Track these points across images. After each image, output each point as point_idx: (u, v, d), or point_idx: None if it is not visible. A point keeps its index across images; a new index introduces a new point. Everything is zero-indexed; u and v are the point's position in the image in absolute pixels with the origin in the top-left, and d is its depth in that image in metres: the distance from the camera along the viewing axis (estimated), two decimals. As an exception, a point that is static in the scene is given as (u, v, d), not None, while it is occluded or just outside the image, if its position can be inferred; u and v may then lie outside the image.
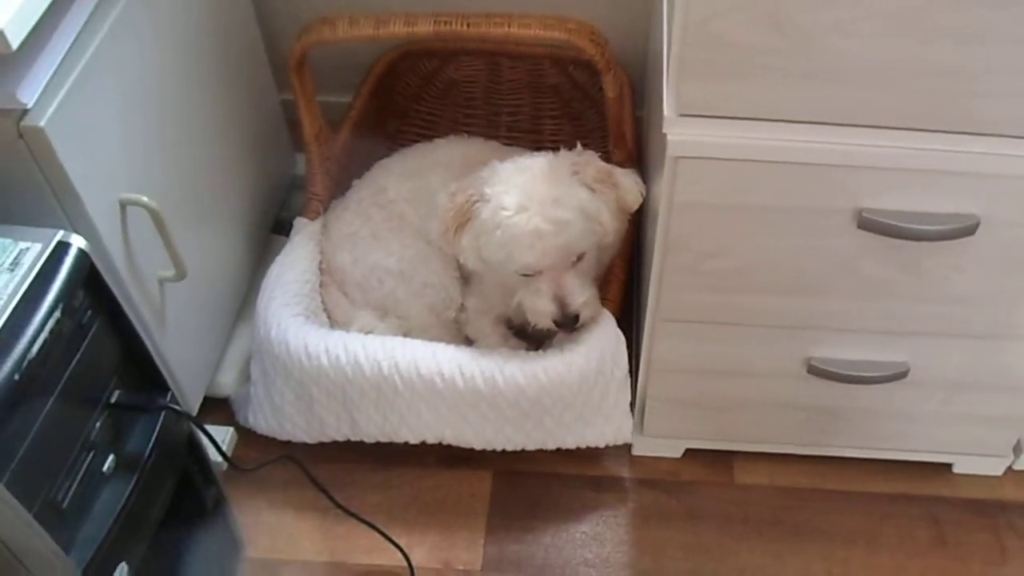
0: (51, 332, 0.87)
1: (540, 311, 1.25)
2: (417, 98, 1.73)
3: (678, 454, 1.43)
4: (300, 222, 1.46)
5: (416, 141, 1.61)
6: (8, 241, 0.91)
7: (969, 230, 1.03)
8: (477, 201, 1.24)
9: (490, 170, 1.27)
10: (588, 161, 1.26)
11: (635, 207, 1.28)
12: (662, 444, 1.43)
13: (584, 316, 1.25)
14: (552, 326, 1.26)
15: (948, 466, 1.41)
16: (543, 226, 1.19)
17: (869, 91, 0.94)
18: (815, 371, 1.23)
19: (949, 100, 0.94)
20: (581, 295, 1.24)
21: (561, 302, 1.24)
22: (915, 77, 0.92)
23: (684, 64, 0.95)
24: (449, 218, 1.27)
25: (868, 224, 1.04)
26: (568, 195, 1.22)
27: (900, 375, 1.22)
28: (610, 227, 1.25)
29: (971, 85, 0.92)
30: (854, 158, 0.99)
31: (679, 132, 1.00)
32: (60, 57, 0.99)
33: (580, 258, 1.24)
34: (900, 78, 0.93)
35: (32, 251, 0.90)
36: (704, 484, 1.41)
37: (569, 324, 1.25)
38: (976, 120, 0.95)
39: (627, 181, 1.27)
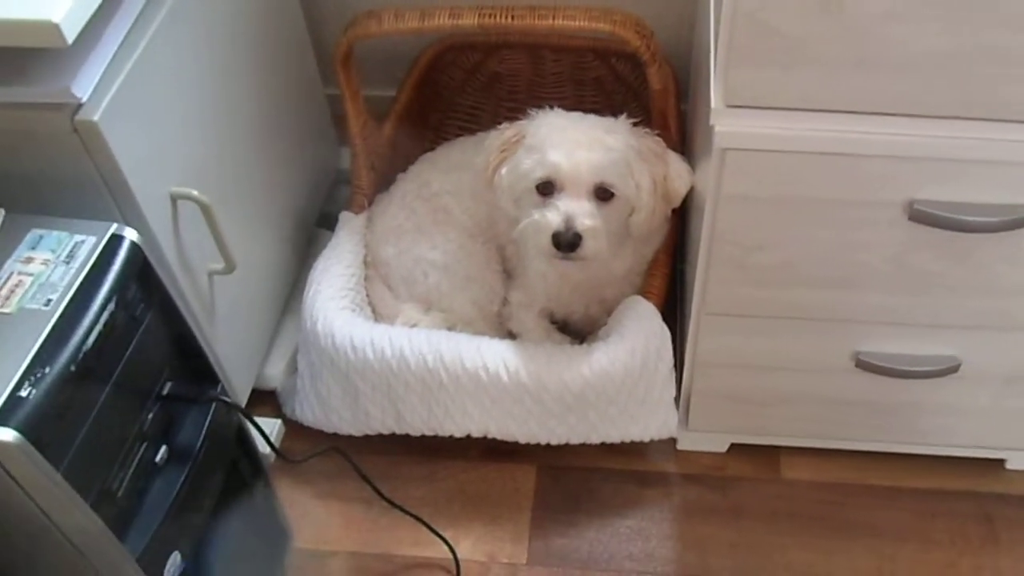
0: (106, 324, 0.89)
1: (544, 220, 1.20)
2: (460, 91, 1.73)
3: (723, 449, 1.43)
4: (345, 216, 1.47)
5: (459, 134, 1.61)
6: (64, 234, 0.93)
7: (1023, 222, 1.02)
8: (522, 139, 1.25)
9: (543, 112, 1.27)
10: (647, 132, 1.26)
11: (681, 194, 1.27)
12: (707, 439, 1.42)
13: (587, 244, 1.19)
14: (551, 244, 1.20)
15: (1000, 462, 1.38)
16: (580, 135, 1.21)
17: (923, 80, 0.92)
18: (863, 365, 1.21)
19: (1005, 89, 0.92)
20: (590, 220, 1.19)
21: (568, 217, 1.19)
22: (971, 65, 0.90)
23: (733, 54, 0.94)
24: (494, 152, 1.27)
25: (920, 216, 1.02)
26: (615, 137, 1.22)
27: (950, 369, 1.21)
28: (645, 196, 1.23)
29: (1028, 73, 0.91)
30: (907, 149, 0.98)
31: (727, 123, 0.99)
32: (113, 51, 1.01)
33: (605, 197, 1.21)
34: (955, 66, 0.91)
35: (87, 244, 0.92)
36: (750, 479, 1.40)
37: (567, 242, 1.19)
38: (1033, 109, 0.94)
39: (679, 166, 1.26)
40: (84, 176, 1.01)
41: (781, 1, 0.88)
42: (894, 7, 0.87)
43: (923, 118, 0.95)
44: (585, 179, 1.20)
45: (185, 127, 1.16)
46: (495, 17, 1.25)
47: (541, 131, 1.23)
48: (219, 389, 1.09)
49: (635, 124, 1.26)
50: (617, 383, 1.26)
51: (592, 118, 1.26)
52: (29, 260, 0.91)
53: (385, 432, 1.35)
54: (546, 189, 1.22)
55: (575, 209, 1.19)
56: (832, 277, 1.13)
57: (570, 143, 1.20)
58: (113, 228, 0.94)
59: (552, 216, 1.20)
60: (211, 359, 1.12)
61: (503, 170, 1.27)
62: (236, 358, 1.33)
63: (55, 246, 0.92)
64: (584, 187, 1.20)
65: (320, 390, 1.35)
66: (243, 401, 1.37)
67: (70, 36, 0.87)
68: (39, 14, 0.86)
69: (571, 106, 1.62)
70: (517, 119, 1.29)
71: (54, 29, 0.86)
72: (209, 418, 1.06)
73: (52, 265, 0.90)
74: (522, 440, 1.32)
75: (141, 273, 0.96)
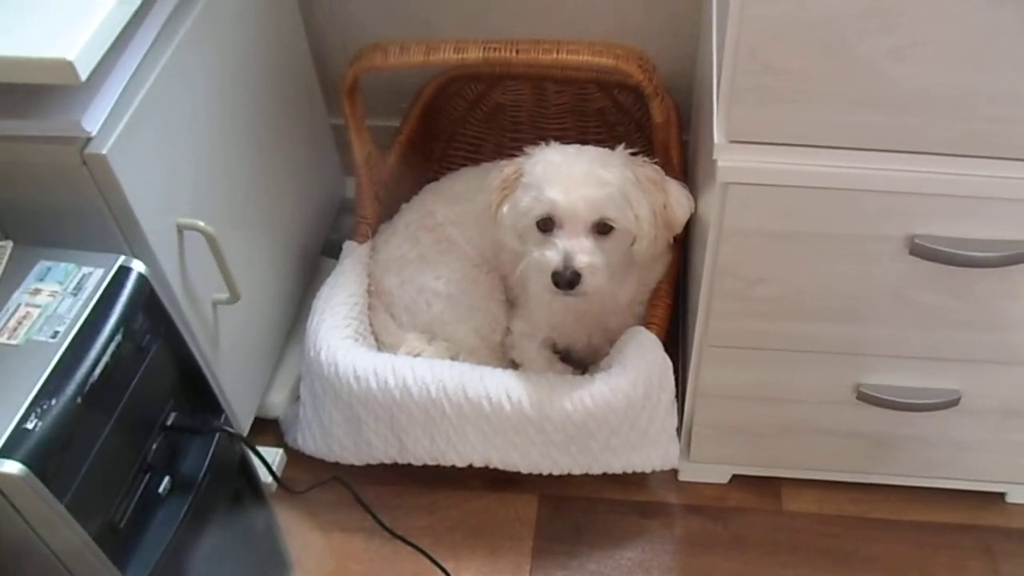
0: (112, 355, 0.90)
1: (544, 259, 1.21)
2: (464, 122, 1.74)
3: (725, 480, 1.43)
4: (349, 245, 1.48)
5: (462, 165, 1.62)
6: (71, 266, 0.94)
7: (1023, 257, 1.02)
8: (520, 176, 1.26)
9: (540, 149, 1.28)
10: (644, 161, 1.27)
11: (682, 221, 1.28)
12: (709, 470, 1.42)
13: (586, 280, 1.21)
14: (551, 281, 1.21)
15: (1001, 495, 1.38)
16: (576, 171, 1.22)
17: (923, 117, 0.94)
18: (865, 398, 1.22)
19: (1004, 127, 0.93)
20: (588, 257, 1.21)
21: (566, 256, 1.21)
22: (970, 104, 0.92)
23: (735, 91, 0.95)
24: (495, 190, 1.29)
25: (920, 251, 1.03)
26: (611, 170, 1.23)
27: (951, 402, 1.21)
28: (646, 226, 1.24)
29: (1026, 112, 0.92)
30: (907, 184, 0.99)
31: (729, 158, 1.00)
32: (122, 86, 1.02)
33: (604, 231, 1.22)
34: (955, 105, 0.92)
35: (94, 276, 0.93)
36: (751, 511, 1.40)
37: (567, 281, 1.20)
38: (1031, 147, 0.95)
39: (678, 193, 1.27)
40: (92, 208, 1.02)
41: (782, 40, 0.90)
42: (896, 47, 0.88)
43: (924, 155, 0.96)
44: (583, 216, 1.21)
45: (192, 159, 1.17)
46: (499, 51, 1.26)
47: (537, 168, 1.24)
48: (223, 419, 1.09)
49: (633, 154, 1.27)
50: (619, 413, 1.27)
51: (589, 151, 1.27)
52: (37, 292, 0.92)
53: (387, 462, 1.35)
54: (546, 225, 1.23)
55: (573, 247, 1.21)
56: (834, 310, 1.13)
57: (566, 180, 1.21)
58: (120, 260, 0.95)
59: (551, 255, 1.21)
60: (215, 389, 1.12)
61: (504, 208, 1.28)
62: (239, 387, 1.33)
63: (62, 278, 0.93)
64: (582, 223, 1.21)
65: (323, 419, 1.35)
66: (245, 430, 1.37)
67: (84, 73, 0.88)
68: (53, 52, 0.87)
69: (574, 137, 1.63)
70: (520, 150, 1.30)
71: (68, 67, 0.87)
72: (212, 448, 1.06)
73: (59, 297, 0.91)
74: (524, 470, 1.33)
75: (148, 305, 0.96)
